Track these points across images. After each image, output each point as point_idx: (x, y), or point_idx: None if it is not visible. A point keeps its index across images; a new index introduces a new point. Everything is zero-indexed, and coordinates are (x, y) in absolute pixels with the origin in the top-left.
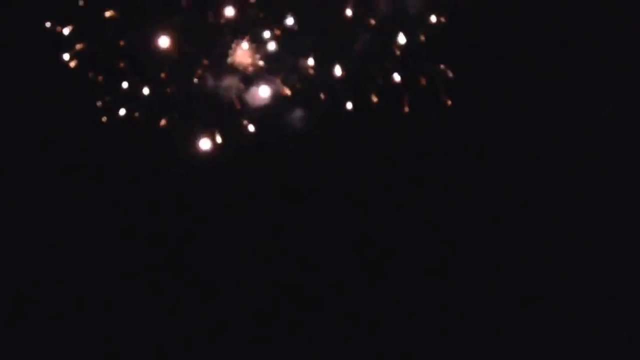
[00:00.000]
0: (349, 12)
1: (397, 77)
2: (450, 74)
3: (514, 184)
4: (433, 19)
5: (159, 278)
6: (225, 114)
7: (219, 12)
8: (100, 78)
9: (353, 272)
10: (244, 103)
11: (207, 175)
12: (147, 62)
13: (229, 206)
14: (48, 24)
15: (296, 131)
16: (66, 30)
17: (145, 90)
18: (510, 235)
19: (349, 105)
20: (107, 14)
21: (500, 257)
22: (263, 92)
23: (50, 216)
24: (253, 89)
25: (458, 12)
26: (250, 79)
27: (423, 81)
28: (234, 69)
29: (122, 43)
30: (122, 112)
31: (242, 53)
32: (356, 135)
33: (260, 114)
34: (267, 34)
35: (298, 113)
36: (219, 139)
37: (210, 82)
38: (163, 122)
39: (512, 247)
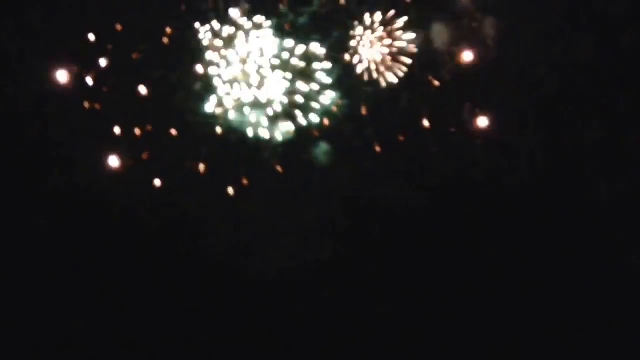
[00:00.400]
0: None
1: (424, 118)
2: (477, 111)
3: (541, 217)
4: (460, 57)
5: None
6: (252, 154)
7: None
8: (125, 121)
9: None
10: (271, 143)
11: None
12: (173, 104)
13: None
14: (75, 68)
15: (322, 168)
16: (89, 79)
17: (173, 132)
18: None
19: (377, 148)
20: (134, 56)
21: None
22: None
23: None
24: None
25: (484, 52)
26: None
27: (449, 118)
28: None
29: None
30: (145, 155)
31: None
32: (383, 172)
33: (287, 153)
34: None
35: (323, 149)
36: (245, 181)
37: (237, 121)
38: (188, 163)
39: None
